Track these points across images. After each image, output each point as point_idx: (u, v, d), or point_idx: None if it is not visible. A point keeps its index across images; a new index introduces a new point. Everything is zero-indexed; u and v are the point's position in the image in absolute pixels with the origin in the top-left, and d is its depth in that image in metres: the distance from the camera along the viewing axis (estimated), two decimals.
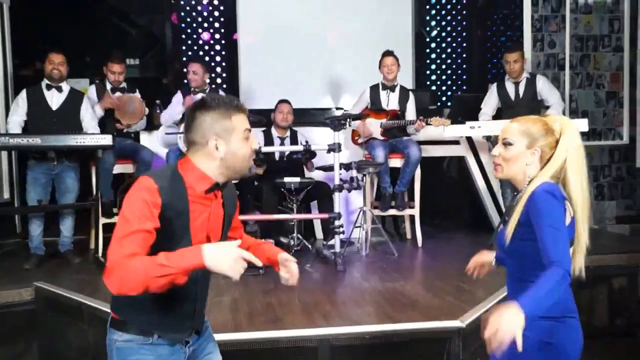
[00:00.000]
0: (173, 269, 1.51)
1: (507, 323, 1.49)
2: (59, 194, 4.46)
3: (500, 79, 5.27)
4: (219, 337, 2.73)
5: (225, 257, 1.52)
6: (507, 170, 1.86)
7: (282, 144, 5.08)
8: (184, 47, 6.75)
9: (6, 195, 5.30)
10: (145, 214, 1.61)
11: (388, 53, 5.05)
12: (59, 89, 4.46)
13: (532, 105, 4.98)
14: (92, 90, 4.93)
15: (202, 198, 1.74)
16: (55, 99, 4.45)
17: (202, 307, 1.88)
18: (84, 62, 6.61)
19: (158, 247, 1.62)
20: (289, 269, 1.91)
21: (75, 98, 4.54)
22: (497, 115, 5.14)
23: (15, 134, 4.16)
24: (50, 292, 3.67)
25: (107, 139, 4.26)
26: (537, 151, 1.82)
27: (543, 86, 5.03)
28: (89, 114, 4.56)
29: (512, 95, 5.06)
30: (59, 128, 4.28)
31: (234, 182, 4.75)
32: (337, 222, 4.20)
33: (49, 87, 4.44)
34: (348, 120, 4.31)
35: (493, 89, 5.17)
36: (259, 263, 1.60)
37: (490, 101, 5.15)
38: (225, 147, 1.72)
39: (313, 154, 4.90)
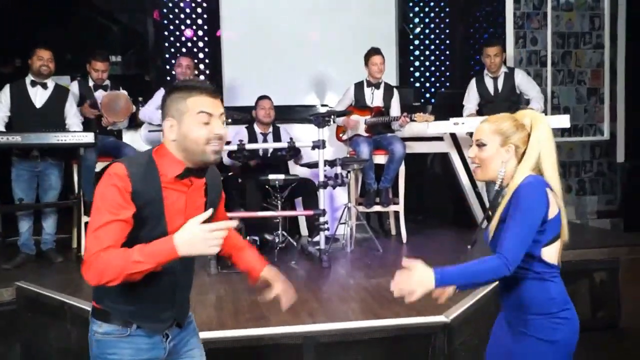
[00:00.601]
0: (147, 264, 1.53)
1: (416, 281, 1.70)
2: (42, 192, 4.40)
3: (479, 74, 5.30)
4: (203, 335, 2.72)
5: (196, 239, 1.52)
6: (486, 171, 1.88)
7: (264, 140, 5.06)
8: (166, 44, 6.69)
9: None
10: (119, 202, 1.59)
11: (376, 51, 5.04)
12: (44, 86, 4.40)
13: (512, 99, 5.03)
14: (74, 87, 4.86)
15: (176, 184, 1.70)
16: (39, 96, 4.38)
17: (184, 298, 1.84)
18: (65, 59, 6.51)
19: (134, 233, 1.61)
20: (282, 289, 1.92)
21: (60, 94, 4.48)
22: (479, 112, 5.17)
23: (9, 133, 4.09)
24: (32, 292, 3.61)
25: (89, 137, 4.22)
26: (511, 147, 1.84)
27: (522, 80, 5.07)
28: (74, 111, 4.52)
29: (491, 90, 5.10)
30: (43, 126, 4.21)
31: (221, 178, 4.74)
32: (322, 219, 4.19)
33: (33, 84, 4.37)
34: (332, 117, 4.30)
35: (472, 85, 5.21)
36: (234, 224, 1.58)
37: (471, 97, 5.19)
38: (177, 129, 1.67)
39: (298, 151, 4.89)
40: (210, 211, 1.60)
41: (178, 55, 6.38)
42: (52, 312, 3.43)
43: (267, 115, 5.04)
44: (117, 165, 1.64)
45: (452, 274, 1.72)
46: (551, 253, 1.80)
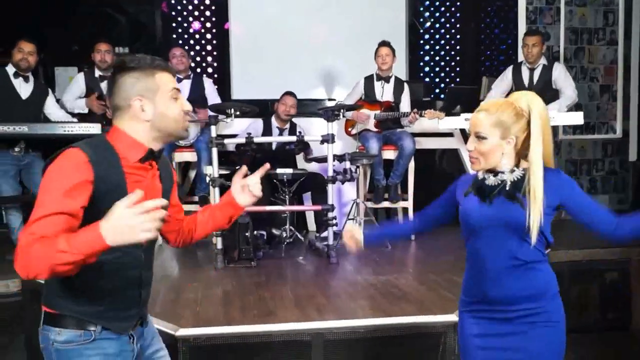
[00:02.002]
0: (75, 255, 1.30)
1: None
2: (33, 186, 4.33)
3: (517, 63, 5.14)
4: (210, 330, 2.71)
5: (124, 225, 1.28)
6: (485, 164, 1.83)
7: (280, 134, 5.02)
8: (174, 36, 6.64)
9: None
10: (69, 192, 1.43)
11: (383, 43, 4.99)
12: (26, 79, 4.36)
13: (547, 93, 4.82)
14: (80, 79, 4.83)
15: (137, 168, 1.61)
16: (23, 88, 4.34)
17: (148, 293, 1.74)
18: (72, 50, 6.48)
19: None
20: (244, 184, 1.86)
21: (41, 90, 4.47)
22: None
23: (3, 122, 4.04)
24: (37, 284, 3.59)
25: (96, 128, 4.17)
26: (512, 140, 1.79)
27: (559, 75, 4.88)
28: (56, 106, 4.51)
29: (526, 81, 4.94)
30: (27, 117, 4.16)
31: (226, 171, 4.68)
32: (330, 214, 4.14)
33: (16, 75, 4.32)
34: (342, 111, 4.25)
35: (508, 72, 5.05)
36: (163, 202, 1.35)
37: (502, 84, 5.03)
38: (152, 108, 1.61)
39: (307, 145, 4.84)
40: (163, 201, 1.36)
41: (186, 47, 6.36)
42: None
43: (287, 112, 5.01)
44: (74, 150, 1.50)
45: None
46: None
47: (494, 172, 1.84)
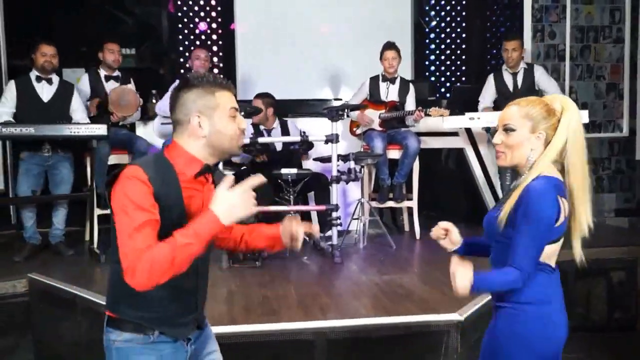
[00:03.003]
0: (196, 245, 1.49)
1: (459, 280, 1.67)
2: (53, 185, 4.41)
3: (497, 69, 5.21)
4: (214, 330, 2.71)
5: (234, 203, 1.52)
6: (512, 158, 1.78)
7: (269, 135, 5.02)
8: (180, 37, 6.67)
9: (0, 186, 5.25)
10: (146, 203, 1.54)
11: (389, 46, 4.98)
12: (49, 81, 4.40)
13: (531, 96, 4.91)
14: (84, 79, 4.86)
15: (194, 182, 1.67)
16: (46, 91, 4.39)
17: (204, 299, 1.81)
18: (80, 51, 6.53)
19: (158, 237, 1.55)
20: (293, 232, 1.87)
21: (66, 90, 4.48)
22: (496, 107, 5.08)
23: (9, 123, 4.09)
24: (44, 284, 3.63)
25: (101, 129, 4.20)
26: (541, 135, 1.74)
27: (541, 76, 4.96)
28: (81, 107, 4.52)
29: (510, 85, 5.00)
30: (50, 120, 4.21)
31: (228, 172, 4.69)
32: (334, 214, 4.15)
33: (38, 79, 4.37)
34: (346, 110, 4.25)
35: (490, 80, 5.10)
36: (262, 179, 1.59)
37: (488, 93, 5.08)
38: (209, 125, 1.65)
39: (310, 145, 4.85)
40: (230, 178, 1.57)
41: (192, 48, 6.39)
42: (63, 304, 3.43)
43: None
44: (134, 168, 1.58)
45: (482, 280, 1.70)
46: (546, 252, 1.73)
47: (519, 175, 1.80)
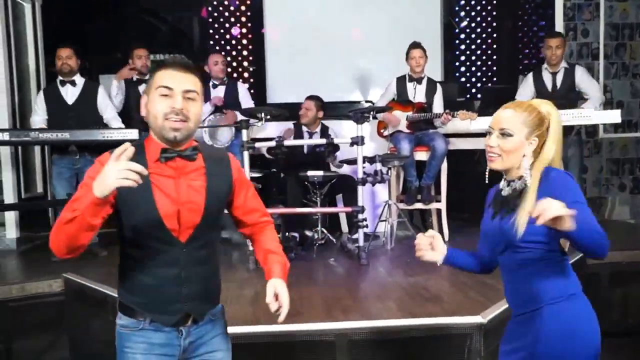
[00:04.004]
0: (77, 210, 1.48)
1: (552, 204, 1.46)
2: None
3: (537, 68, 5.09)
4: (235, 329, 2.76)
5: (105, 174, 1.44)
6: (505, 162, 1.79)
7: (310, 137, 5.07)
8: (211, 42, 6.79)
9: (39, 189, 5.44)
10: (89, 182, 1.55)
11: (415, 45, 4.97)
12: (73, 83, 4.56)
13: (570, 96, 4.78)
14: (121, 84, 5.00)
15: (163, 168, 1.66)
16: (70, 94, 4.55)
17: (196, 292, 1.74)
18: (115, 58, 6.71)
19: (127, 220, 1.63)
20: (278, 299, 1.81)
21: (90, 90, 4.63)
22: None
23: (45, 129, 4.25)
24: (78, 284, 3.75)
25: (133, 133, 4.32)
26: (534, 141, 1.77)
27: (582, 77, 4.81)
28: (109, 107, 4.65)
29: (549, 85, 4.88)
30: (77, 121, 4.36)
31: (258, 174, 4.74)
32: (360, 216, 4.16)
33: (62, 83, 4.53)
34: (371, 112, 4.26)
35: (529, 78, 4.99)
36: (145, 171, 1.46)
37: (525, 91, 4.96)
38: (147, 106, 1.67)
39: (336, 147, 4.87)
40: (144, 170, 1.47)
41: (222, 53, 6.49)
42: (96, 303, 3.53)
43: (304, 115, 5.04)
44: (106, 154, 1.64)
45: (581, 213, 1.51)
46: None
47: (508, 180, 1.82)
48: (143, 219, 1.64)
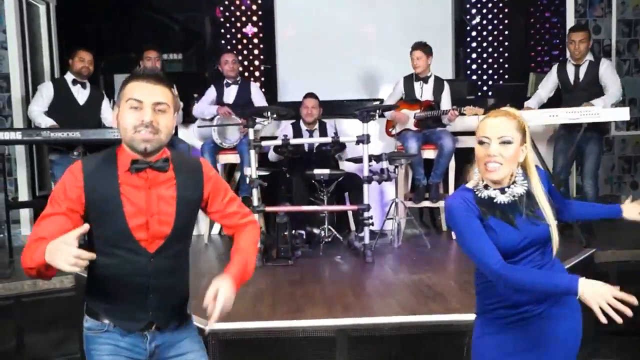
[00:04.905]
0: (34, 262, 1.49)
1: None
2: None
3: (562, 61, 5.01)
4: (237, 325, 2.81)
5: (57, 250, 1.41)
6: (505, 170, 1.78)
7: (310, 136, 5.10)
8: (223, 42, 6.85)
9: (53, 187, 5.54)
10: (61, 196, 1.61)
11: (415, 46, 4.96)
12: (84, 85, 4.66)
13: (592, 90, 4.66)
14: None
15: (133, 178, 1.67)
16: (81, 95, 4.66)
17: (162, 302, 1.75)
18: (129, 58, 6.81)
19: (96, 231, 1.64)
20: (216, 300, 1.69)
21: (96, 96, 4.77)
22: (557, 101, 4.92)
23: (56, 129, 4.31)
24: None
25: None
26: (525, 147, 1.81)
27: (606, 70, 4.69)
28: (108, 111, 4.75)
29: (571, 78, 4.79)
30: (85, 122, 4.43)
31: (265, 172, 4.78)
32: (366, 214, 4.18)
33: (74, 82, 4.63)
34: (377, 111, 4.27)
35: (553, 71, 4.92)
36: (93, 257, 1.43)
37: (548, 83, 4.91)
38: (118, 117, 1.68)
39: (342, 146, 4.90)
40: (84, 227, 1.49)
41: (234, 52, 6.54)
42: None
43: (309, 115, 5.07)
44: (77, 162, 1.69)
45: None
46: None
47: (499, 188, 1.81)
48: (112, 229, 1.66)
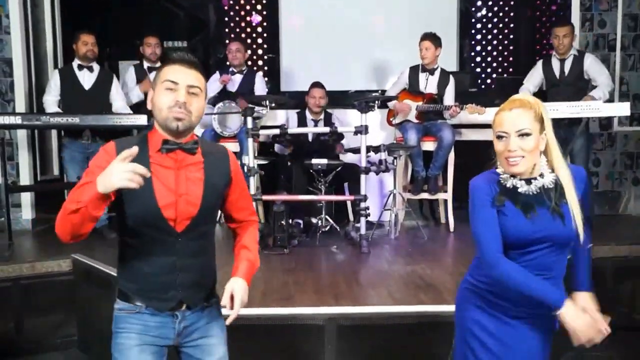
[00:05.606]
0: (82, 207, 1.55)
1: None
2: None
3: (547, 56, 5.04)
4: (228, 312, 2.83)
5: (110, 173, 1.51)
6: (528, 163, 1.75)
7: (315, 126, 5.11)
8: (226, 30, 6.83)
9: (56, 172, 5.59)
10: (96, 168, 1.65)
11: (423, 37, 4.96)
12: (90, 69, 4.66)
13: (578, 84, 4.73)
14: (131, 72, 5.11)
15: (164, 159, 1.75)
16: (87, 79, 4.66)
17: (190, 281, 1.81)
18: (133, 44, 6.81)
19: (127, 210, 1.70)
20: (233, 301, 1.80)
21: (106, 78, 4.74)
22: (543, 95, 4.92)
23: (56, 114, 4.35)
24: (86, 264, 3.86)
25: (142, 119, 4.41)
26: (544, 135, 1.76)
27: (591, 65, 4.74)
28: (120, 95, 4.75)
29: (557, 72, 4.83)
30: (91, 107, 4.46)
31: (264, 161, 4.80)
32: (362, 204, 4.19)
33: (80, 67, 4.64)
34: (376, 102, 4.27)
35: (538, 66, 4.96)
36: (147, 174, 1.54)
37: (534, 78, 4.94)
38: (153, 99, 1.76)
39: (340, 136, 4.90)
40: (134, 149, 1.55)
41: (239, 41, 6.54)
42: (101, 283, 3.64)
43: (316, 105, 5.08)
44: (110, 143, 1.77)
45: None
46: None
47: (525, 178, 1.78)
48: (142, 208, 1.71)
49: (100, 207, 1.58)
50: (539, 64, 4.98)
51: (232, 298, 1.80)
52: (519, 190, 1.78)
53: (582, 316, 1.70)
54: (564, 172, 1.77)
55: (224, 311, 1.85)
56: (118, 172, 1.49)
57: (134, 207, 1.71)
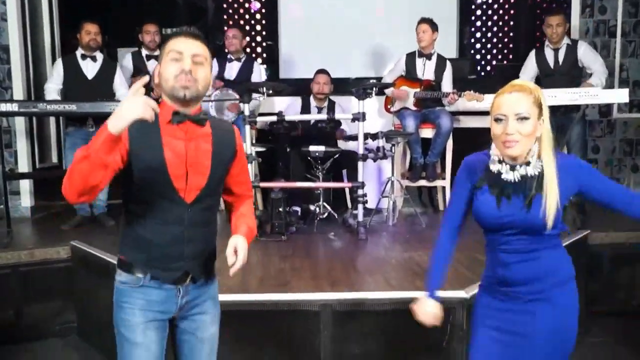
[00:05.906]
0: (91, 148, 1.56)
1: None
2: None
3: (539, 46, 5.04)
4: (224, 297, 2.83)
5: (122, 108, 1.53)
6: (524, 146, 1.74)
7: (319, 113, 5.10)
8: (225, 17, 6.81)
9: (54, 159, 5.60)
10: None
11: (422, 20, 4.94)
12: (94, 59, 4.64)
13: (573, 73, 4.73)
14: (128, 59, 5.09)
15: (175, 130, 1.77)
16: (90, 69, 4.63)
17: (197, 252, 1.84)
18: (132, 31, 6.78)
19: (138, 181, 1.72)
20: (237, 254, 1.84)
21: (109, 67, 4.71)
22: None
23: (53, 101, 4.34)
24: (84, 251, 3.87)
25: None
26: (542, 121, 1.75)
27: (585, 53, 4.73)
28: (124, 85, 4.72)
29: (551, 62, 4.82)
30: (95, 97, 4.43)
31: (262, 148, 4.79)
32: (360, 191, 4.20)
33: (84, 57, 4.61)
34: (374, 89, 4.26)
35: (531, 56, 4.94)
36: (157, 109, 1.57)
37: (528, 69, 4.93)
38: (160, 71, 1.78)
39: (338, 123, 4.89)
40: (144, 78, 1.61)
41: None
42: (100, 270, 3.65)
43: (321, 91, 5.06)
44: None
45: None
46: None
47: (511, 164, 1.78)
48: (153, 177, 1.74)
49: (111, 150, 1.58)
50: (532, 54, 4.95)
51: (235, 252, 1.83)
52: (502, 176, 1.78)
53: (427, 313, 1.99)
54: (549, 164, 1.75)
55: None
56: (130, 104, 1.52)
57: (145, 176, 1.73)
